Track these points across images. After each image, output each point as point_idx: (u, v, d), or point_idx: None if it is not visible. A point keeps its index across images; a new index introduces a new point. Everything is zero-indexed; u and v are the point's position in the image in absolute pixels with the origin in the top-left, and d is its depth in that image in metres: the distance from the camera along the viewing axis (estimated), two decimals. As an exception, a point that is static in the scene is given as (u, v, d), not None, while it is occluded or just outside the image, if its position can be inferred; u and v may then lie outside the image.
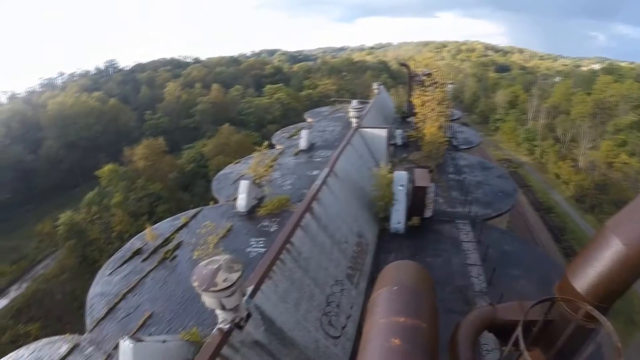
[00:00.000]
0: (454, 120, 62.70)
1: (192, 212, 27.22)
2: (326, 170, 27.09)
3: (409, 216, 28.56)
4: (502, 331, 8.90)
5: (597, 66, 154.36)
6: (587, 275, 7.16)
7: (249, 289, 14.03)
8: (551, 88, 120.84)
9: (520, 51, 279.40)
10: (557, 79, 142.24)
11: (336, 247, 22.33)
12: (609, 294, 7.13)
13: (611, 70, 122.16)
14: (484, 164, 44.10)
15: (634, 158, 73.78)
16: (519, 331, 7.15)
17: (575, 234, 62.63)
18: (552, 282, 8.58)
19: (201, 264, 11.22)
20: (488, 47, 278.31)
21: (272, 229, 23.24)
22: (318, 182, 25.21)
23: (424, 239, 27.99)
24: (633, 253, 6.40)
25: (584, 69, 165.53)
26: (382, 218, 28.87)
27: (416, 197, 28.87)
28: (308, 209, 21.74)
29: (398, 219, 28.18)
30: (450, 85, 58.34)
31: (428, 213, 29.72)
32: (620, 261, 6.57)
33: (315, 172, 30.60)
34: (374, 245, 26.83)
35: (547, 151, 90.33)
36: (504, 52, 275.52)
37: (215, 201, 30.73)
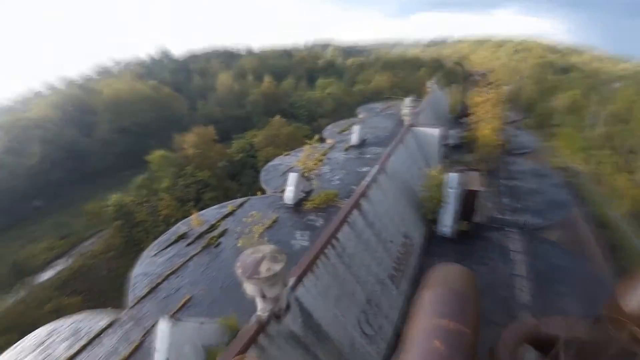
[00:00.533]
0: (509, 123, 60.79)
1: (239, 201, 27.46)
2: (377, 167, 26.71)
3: (457, 220, 27.74)
4: (544, 345, 8.51)
5: None
6: (638, 296, 6.78)
7: (291, 281, 13.98)
8: (613, 94, 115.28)
9: (581, 53, 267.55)
10: (619, 84, 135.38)
11: (381, 246, 22.01)
12: None
13: None
14: (539, 170, 42.29)
15: None
16: (560, 347, 7.14)
17: (629, 252, 59.29)
18: (600, 302, 8.03)
19: (246, 252, 11.26)
20: (546, 48, 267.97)
21: (317, 224, 23.05)
22: (368, 178, 24.94)
23: (471, 244, 27.12)
24: None
25: None
26: (430, 220, 28.17)
27: (467, 201, 27.97)
28: (356, 205, 21.53)
29: (446, 222, 27.43)
30: (506, 87, 56.50)
31: (477, 218, 28.79)
32: None
33: (365, 169, 30.28)
34: (420, 247, 26.27)
35: (604, 162, 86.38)
36: (563, 53, 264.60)
37: (263, 192, 30.70)
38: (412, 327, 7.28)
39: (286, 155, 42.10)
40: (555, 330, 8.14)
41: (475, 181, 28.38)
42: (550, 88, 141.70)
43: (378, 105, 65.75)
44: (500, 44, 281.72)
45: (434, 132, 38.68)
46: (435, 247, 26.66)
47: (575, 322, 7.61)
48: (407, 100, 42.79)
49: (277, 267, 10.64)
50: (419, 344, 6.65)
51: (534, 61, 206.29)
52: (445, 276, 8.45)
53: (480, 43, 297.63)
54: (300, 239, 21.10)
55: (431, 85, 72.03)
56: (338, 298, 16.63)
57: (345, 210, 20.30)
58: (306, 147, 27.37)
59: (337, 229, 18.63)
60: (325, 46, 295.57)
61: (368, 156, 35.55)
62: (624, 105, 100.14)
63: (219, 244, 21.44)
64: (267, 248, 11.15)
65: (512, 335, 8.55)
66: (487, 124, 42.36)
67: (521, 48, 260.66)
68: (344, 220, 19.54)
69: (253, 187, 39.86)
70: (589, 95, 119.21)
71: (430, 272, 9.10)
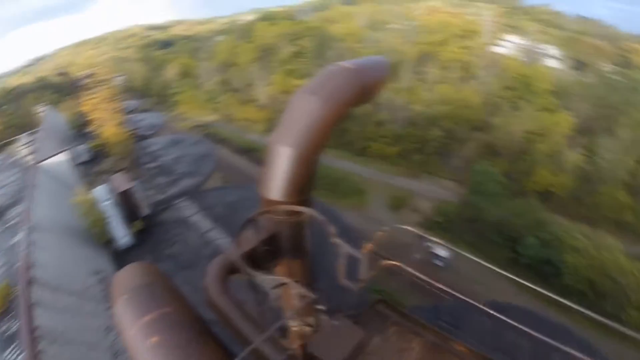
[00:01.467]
0: (133, 111, 61.28)
1: None
2: (24, 229, 23.66)
3: (129, 224, 27.45)
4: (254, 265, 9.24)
5: (253, 17, 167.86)
6: (276, 183, 8.31)
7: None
8: (217, 47, 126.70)
9: (180, 22, 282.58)
10: (221, 37, 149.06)
11: (83, 300, 20.41)
12: (300, 188, 8.42)
13: (267, 17, 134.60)
14: (176, 139, 44.99)
15: (302, 80, 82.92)
16: (238, 260, 8.03)
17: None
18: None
19: None
20: (148, 28, 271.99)
21: (14, 328, 19.17)
22: (22, 247, 22.04)
23: (155, 235, 27.70)
24: (300, 151, 7.87)
25: (242, 22, 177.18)
26: (107, 241, 27.02)
27: (126, 203, 27.88)
28: (30, 282, 18.98)
29: (121, 233, 27.02)
30: (118, 78, 56.16)
31: (145, 211, 29.07)
32: (294, 161, 7.93)
33: (17, 238, 25.90)
34: (114, 269, 25.15)
35: (229, 103, 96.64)
36: (165, 27, 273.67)
37: None
38: (125, 343, 7.08)
39: None
40: (243, 249, 8.90)
41: (123, 181, 28.47)
42: (160, 63, 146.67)
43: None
44: (102, 39, 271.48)
45: (63, 157, 36.12)
46: (126, 260, 25.64)
47: (239, 232, 8.69)
48: (23, 139, 38.31)
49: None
50: (140, 352, 6.56)
51: (138, 44, 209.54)
52: (121, 282, 8.27)
53: (83, 44, 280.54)
54: (12, 357, 17.53)
55: (43, 109, 65.78)
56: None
57: (24, 295, 17.92)
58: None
59: (30, 321, 16.46)
60: None
61: (14, 221, 29.88)
62: (230, 52, 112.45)
63: None
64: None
65: (214, 269, 8.85)
66: (110, 122, 41.85)
67: (125, 36, 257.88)
68: (29, 307, 17.23)
69: None
70: (197, 55, 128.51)
71: (109, 288, 8.84)
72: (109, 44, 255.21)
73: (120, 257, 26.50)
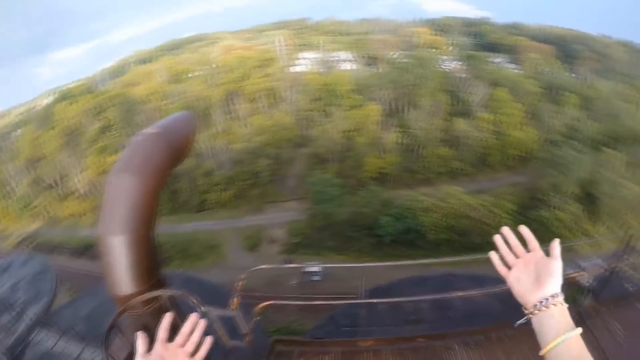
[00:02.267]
0: None
1: None
2: None
3: None
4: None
5: (50, 99, 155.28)
6: (120, 277, 7.23)
7: None
8: (18, 143, 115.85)
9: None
10: (19, 130, 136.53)
11: None
12: (147, 272, 7.32)
13: (64, 96, 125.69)
14: (3, 264, 38.34)
15: (116, 155, 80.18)
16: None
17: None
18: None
19: None
20: None
21: None
22: None
23: None
24: (134, 236, 7.00)
25: (39, 108, 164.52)
26: None
27: None
28: None
29: None
30: None
31: None
32: (129, 247, 7.00)
33: None
34: None
35: (48, 203, 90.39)
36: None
37: None
38: None
39: None
40: (121, 355, 7.46)
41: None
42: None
43: None
44: None
45: None
46: None
47: (104, 338, 7.49)
48: None
49: None
50: None
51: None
52: None
53: None
54: None
55: None
56: None
57: None
58: None
59: None
60: None
61: None
62: (32, 145, 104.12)
63: None
64: None
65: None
66: None
67: None
68: None
69: None
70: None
71: None
72: None
73: None
